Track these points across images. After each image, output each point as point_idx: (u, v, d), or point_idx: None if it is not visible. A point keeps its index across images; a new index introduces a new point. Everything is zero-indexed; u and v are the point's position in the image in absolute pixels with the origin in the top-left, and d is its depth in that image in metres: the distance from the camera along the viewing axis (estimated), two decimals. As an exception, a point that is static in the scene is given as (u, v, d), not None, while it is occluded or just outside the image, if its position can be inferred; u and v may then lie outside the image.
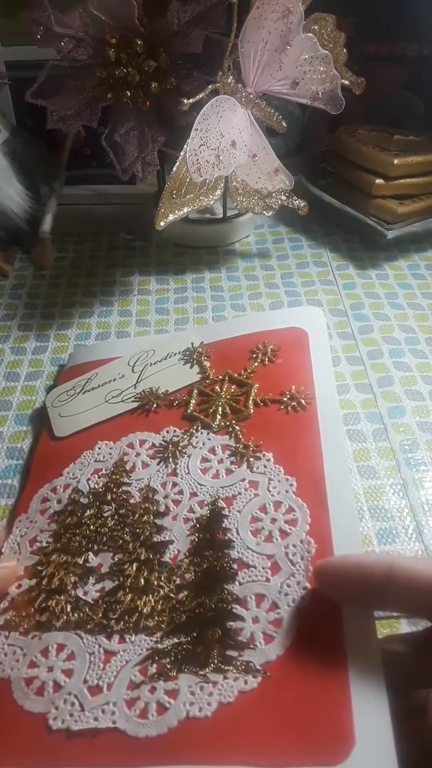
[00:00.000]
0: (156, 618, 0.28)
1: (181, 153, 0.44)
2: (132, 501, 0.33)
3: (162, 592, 0.28)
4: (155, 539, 0.31)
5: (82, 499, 0.34)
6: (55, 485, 0.35)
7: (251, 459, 0.33)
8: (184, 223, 0.55)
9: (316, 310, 0.44)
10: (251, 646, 0.26)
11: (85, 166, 0.63)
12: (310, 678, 0.24)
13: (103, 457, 0.36)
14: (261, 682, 0.24)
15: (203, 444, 0.35)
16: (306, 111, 0.66)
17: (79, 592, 0.29)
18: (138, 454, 0.35)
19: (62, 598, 0.29)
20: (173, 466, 0.34)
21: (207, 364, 0.40)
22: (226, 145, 0.45)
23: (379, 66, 0.65)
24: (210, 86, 0.45)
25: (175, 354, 0.42)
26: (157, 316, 0.51)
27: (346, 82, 0.50)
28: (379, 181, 0.55)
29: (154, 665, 0.26)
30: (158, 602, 0.28)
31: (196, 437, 0.36)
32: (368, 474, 0.37)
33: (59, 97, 0.47)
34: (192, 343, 0.42)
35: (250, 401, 0.36)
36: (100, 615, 0.28)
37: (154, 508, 0.32)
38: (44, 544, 0.32)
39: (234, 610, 0.27)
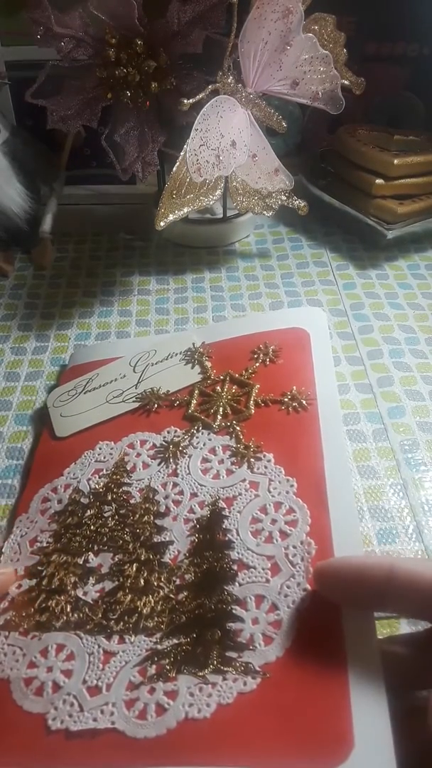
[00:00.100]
0: (156, 619, 0.28)
1: (181, 153, 0.44)
2: (132, 501, 0.33)
3: (162, 593, 0.28)
4: (155, 540, 0.31)
5: (82, 499, 0.34)
6: (55, 485, 0.35)
7: (252, 459, 0.33)
8: (184, 223, 0.55)
9: (317, 310, 0.44)
10: (251, 648, 0.26)
11: (85, 166, 0.63)
12: (309, 680, 0.24)
13: (104, 458, 0.36)
14: (260, 684, 0.24)
15: (204, 444, 0.35)
16: (306, 111, 0.66)
17: (79, 593, 0.29)
18: (139, 455, 0.35)
19: (62, 598, 0.29)
20: (174, 466, 0.34)
21: (208, 364, 0.40)
22: (226, 145, 0.45)
23: (379, 66, 0.64)
24: (210, 86, 0.44)
25: (176, 354, 0.42)
26: (157, 316, 0.51)
27: (346, 82, 0.50)
28: (379, 181, 0.55)
29: (154, 666, 0.26)
30: (158, 603, 0.28)
31: (197, 438, 0.36)
32: (368, 474, 0.37)
33: (59, 97, 0.47)
34: (193, 344, 0.42)
35: (251, 402, 0.36)
36: (100, 615, 0.28)
37: (155, 508, 0.32)
38: (44, 544, 0.32)
39: (234, 611, 0.27)
